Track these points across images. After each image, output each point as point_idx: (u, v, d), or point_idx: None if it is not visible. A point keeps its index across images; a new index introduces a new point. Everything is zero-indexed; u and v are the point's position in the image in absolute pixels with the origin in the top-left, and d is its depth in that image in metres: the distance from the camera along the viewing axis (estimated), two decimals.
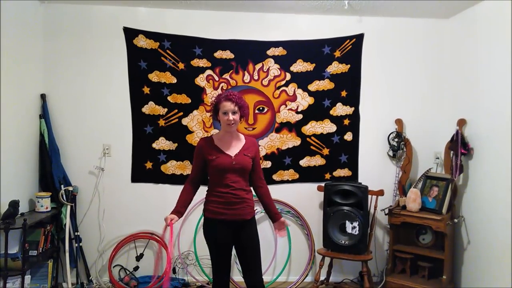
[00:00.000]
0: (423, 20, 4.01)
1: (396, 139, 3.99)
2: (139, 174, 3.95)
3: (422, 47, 4.04)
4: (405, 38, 4.04)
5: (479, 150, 3.51)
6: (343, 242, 3.57)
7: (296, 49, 3.97)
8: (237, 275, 3.95)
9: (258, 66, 3.96)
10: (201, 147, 2.73)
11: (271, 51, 3.96)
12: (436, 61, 4.04)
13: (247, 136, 2.86)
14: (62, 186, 3.67)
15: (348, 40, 4.01)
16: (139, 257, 3.93)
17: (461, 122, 3.69)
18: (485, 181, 3.42)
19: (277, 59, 3.97)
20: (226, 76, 3.95)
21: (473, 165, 3.58)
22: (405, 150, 3.98)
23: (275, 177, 4.03)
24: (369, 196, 3.68)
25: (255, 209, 2.83)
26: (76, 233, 3.76)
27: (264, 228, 4.03)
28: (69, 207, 3.67)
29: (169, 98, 3.92)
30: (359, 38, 4.01)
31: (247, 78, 3.97)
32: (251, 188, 2.80)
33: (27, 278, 3.23)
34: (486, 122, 3.41)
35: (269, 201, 2.83)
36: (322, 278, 3.78)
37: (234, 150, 2.71)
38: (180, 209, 2.72)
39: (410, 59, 4.05)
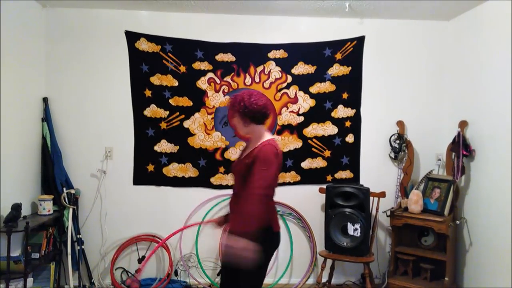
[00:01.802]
0: (424, 22, 4.02)
1: (397, 141, 3.99)
2: (141, 177, 3.96)
3: (423, 49, 4.05)
4: (406, 40, 4.05)
5: (480, 151, 3.50)
6: (345, 244, 3.57)
7: (297, 51, 3.98)
8: None
9: (259, 68, 3.97)
10: None
11: (272, 54, 3.97)
12: (437, 63, 4.05)
13: (266, 142, 2.36)
14: (64, 189, 3.68)
15: (349, 43, 4.01)
16: (141, 260, 3.93)
17: (463, 124, 3.69)
18: (487, 182, 3.42)
19: (278, 61, 3.98)
20: (228, 78, 3.96)
21: (475, 167, 3.58)
22: (406, 151, 3.97)
23: None
24: (371, 198, 3.67)
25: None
26: (78, 236, 3.77)
27: None
28: (71, 210, 3.68)
29: (170, 101, 3.93)
30: (360, 40, 4.02)
31: (248, 80, 3.98)
32: None
33: (30, 280, 3.23)
34: (488, 124, 3.41)
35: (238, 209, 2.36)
36: (324, 280, 3.77)
37: (242, 155, 2.51)
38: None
39: (411, 61, 4.05)
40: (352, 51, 4.02)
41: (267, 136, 2.43)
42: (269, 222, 2.39)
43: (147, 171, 3.95)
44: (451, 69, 3.97)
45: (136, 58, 3.89)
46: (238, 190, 2.42)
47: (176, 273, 3.94)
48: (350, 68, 4.02)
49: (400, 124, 4.02)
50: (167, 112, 3.94)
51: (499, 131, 3.24)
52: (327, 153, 4.06)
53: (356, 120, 4.06)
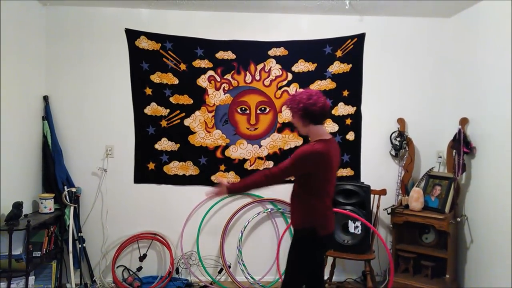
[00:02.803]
0: (425, 19, 4.01)
1: (398, 139, 3.99)
2: (142, 175, 3.96)
3: (424, 46, 4.04)
4: (406, 37, 4.03)
5: (481, 149, 3.50)
6: (346, 241, 3.57)
7: (297, 49, 3.97)
8: (240, 275, 3.96)
9: (260, 66, 3.97)
10: None
11: (272, 52, 3.96)
12: (438, 60, 4.04)
13: (310, 144, 2.45)
14: (65, 187, 3.69)
15: (349, 40, 4.01)
16: (142, 258, 3.94)
17: (464, 121, 3.69)
18: (487, 179, 3.41)
19: (278, 59, 3.97)
20: (228, 76, 3.96)
21: (476, 164, 3.57)
22: (407, 149, 3.97)
23: None
24: (372, 196, 3.68)
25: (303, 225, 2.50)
26: (79, 234, 3.78)
27: (267, 227, 4.05)
28: (72, 208, 3.69)
29: (171, 99, 3.93)
30: (361, 37, 4.01)
31: (248, 78, 3.97)
32: (306, 197, 2.47)
33: (31, 279, 3.25)
34: (489, 121, 3.40)
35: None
36: (325, 277, 3.77)
37: None
38: None
39: (412, 58, 4.04)
40: (353, 48, 4.01)
41: (323, 135, 2.49)
42: (312, 224, 2.45)
43: (148, 169, 3.96)
44: (451, 66, 3.96)
45: (136, 56, 3.89)
46: (294, 188, 2.54)
47: (177, 271, 3.95)
48: (350, 65, 4.02)
49: (401, 121, 4.01)
50: (168, 110, 3.94)
51: (500, 128, 3.23)
52: None
53: (356, 117, 4.05)
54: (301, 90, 2.71)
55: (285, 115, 3.99)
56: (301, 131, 2.57)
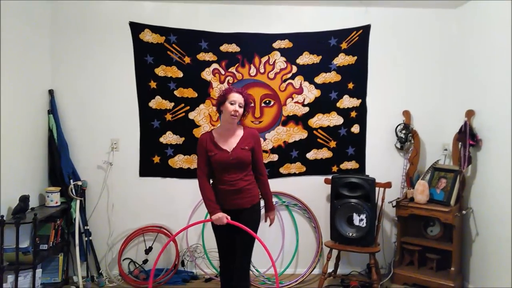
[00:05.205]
0: (430, 10, 3.97)
1: (403, 131, 3.97)
2: (147, 169, 3.97)
3: (430, 38, 4.00)
4: (412, 28, 4.00)
5: (487, 141, 3.48)
6: (350, 234, 3.57)
7: (302, 41, 3.94)
8: None
9: (264, 59, 3.95)
10: (202, 143, 2.81)
11: (277, 44, 3.94)
12: (443, 51, 4.00)
13: (247, 127, 2.90)
14: (71, 180, 3.71)
15: (354, 32, 3.97)
16: (148, 250, 3.97)
17: (470, 113, 3.66)
18: (493, 172, 3.39)
19: (283, 51, 3.95)
20: (232, 69, 3.94)
21: (482, 157, 3.55)
22: (412, 142, 3.95)
23: (282, 170, 4.03)
24: (377, 189, 3.67)
25: (260, 197, 2.90)
26: (85, 227, 3.80)
27: None
28: (78, 201, 3.71)
29: (175, 92, 3.93)
30: (366, 29, 3.98)
31: (253, 71, 3.96)
32: (252, 174, 2.85)
33: (38, 271, 3.29)
34: (495, 113, 3.38)
35: (266, 191, 2.91)
36: (329, 270, 3.79)
37: (231, 144, 2.77)
38: (218, 206, 2.78)
39: (418, 50, 4.01)
40: (358, 40, 3.98)
41: None
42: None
43: (153, 162, 3.97)
44: (457, 57, 3.92)
45: (141, 49, 3.88)
46: (245, 172, 2.79)
47: (182, 264, 3.98)
48: (355, 57, 3.99)
49: (406, 114, 3.99)
50: (172, 104, 3.94)
51: (507, 120, 3.20)
52: (333, 144, 4.05)
53: (361, 110, 4.04)
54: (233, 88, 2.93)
55: (290, 108, 3.99)
56: (236, 121, 2.79)
